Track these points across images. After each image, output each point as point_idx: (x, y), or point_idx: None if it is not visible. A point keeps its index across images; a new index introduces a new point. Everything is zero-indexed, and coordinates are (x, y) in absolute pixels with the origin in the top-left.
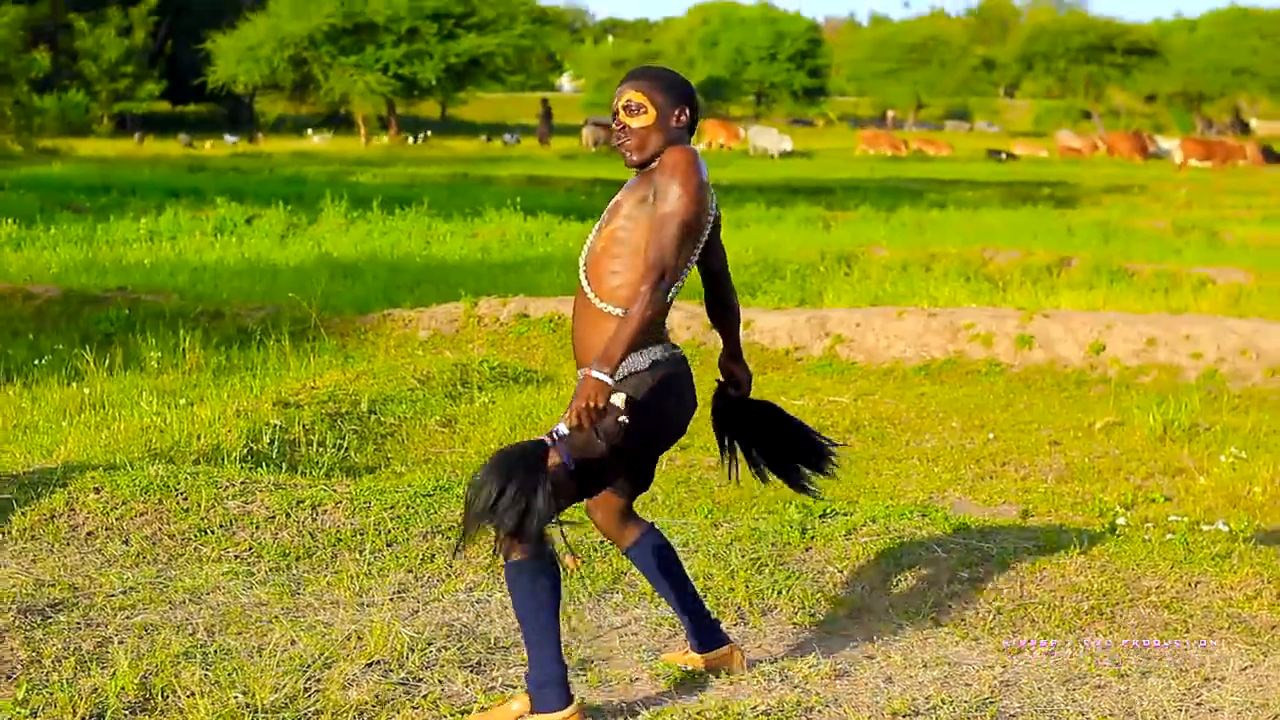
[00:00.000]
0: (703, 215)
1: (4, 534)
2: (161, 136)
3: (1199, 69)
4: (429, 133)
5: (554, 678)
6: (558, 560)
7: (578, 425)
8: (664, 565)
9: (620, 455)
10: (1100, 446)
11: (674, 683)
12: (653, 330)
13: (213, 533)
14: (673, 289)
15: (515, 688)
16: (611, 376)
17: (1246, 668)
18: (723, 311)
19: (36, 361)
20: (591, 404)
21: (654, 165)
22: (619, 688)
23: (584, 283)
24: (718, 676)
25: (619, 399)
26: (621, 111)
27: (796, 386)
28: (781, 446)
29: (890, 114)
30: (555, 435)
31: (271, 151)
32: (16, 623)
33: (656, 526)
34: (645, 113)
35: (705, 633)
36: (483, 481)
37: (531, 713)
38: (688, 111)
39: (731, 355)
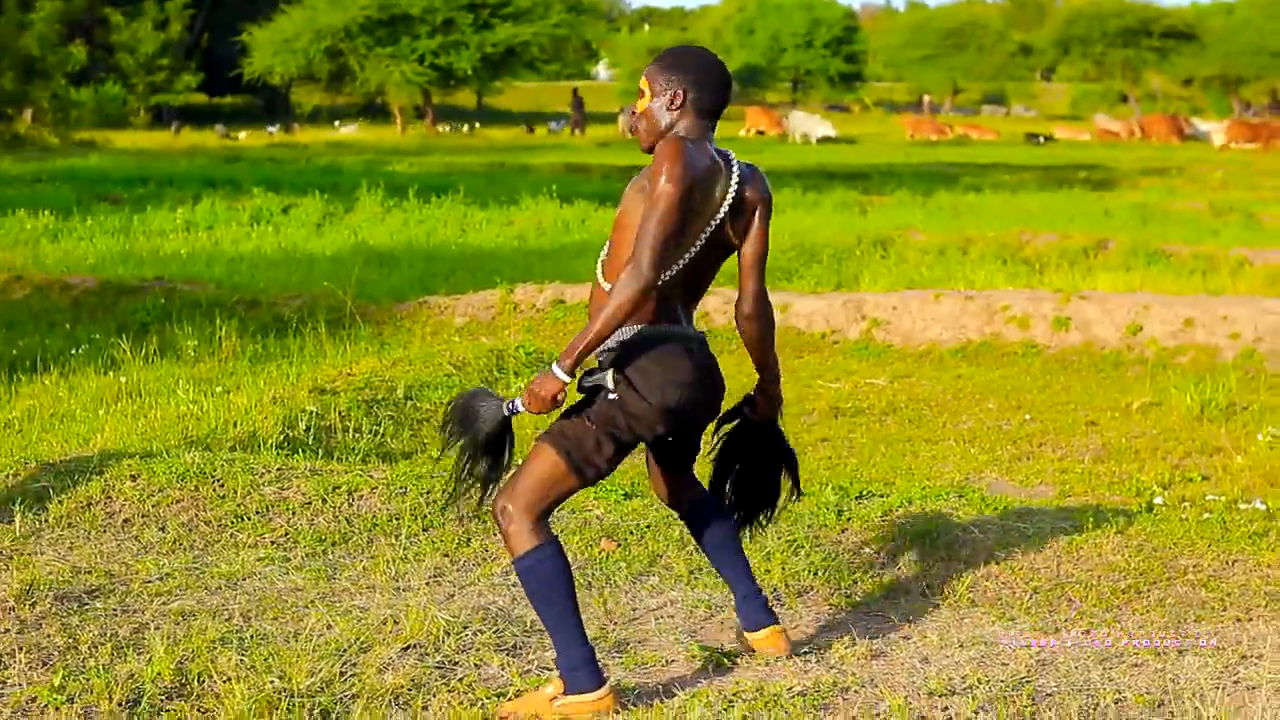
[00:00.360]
0: (686, 202)
1: (41, 521)
2: (198, 128)
3: (1236, 52)
4: (476, 124)
5: (582, 659)
6: (561, 547)
7: (528, 407)
8: (715, 535)
9: (616, 439)
10: (1137, 427)
11: (710, 665)
12: (654, 313)
13: (249, 519)
14: (657, 274)
15: (550, 670)
16: (570, 373)
17: None
18: (744, 317)
19: (74, 351)
20: (541, 393)
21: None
22: (655, 670)
23: (597, 265)
24: (758, 658)
25: (609, 379)
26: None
27: (833, 369)
28: (760, 482)
29: (926, 99)
30: (510, 407)
31: (307, 142)
32: (54, 609)
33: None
34: (643, 96)
35: (753, 611)
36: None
37: (565, 694)
38: (685, 92)
39: (760, 379)
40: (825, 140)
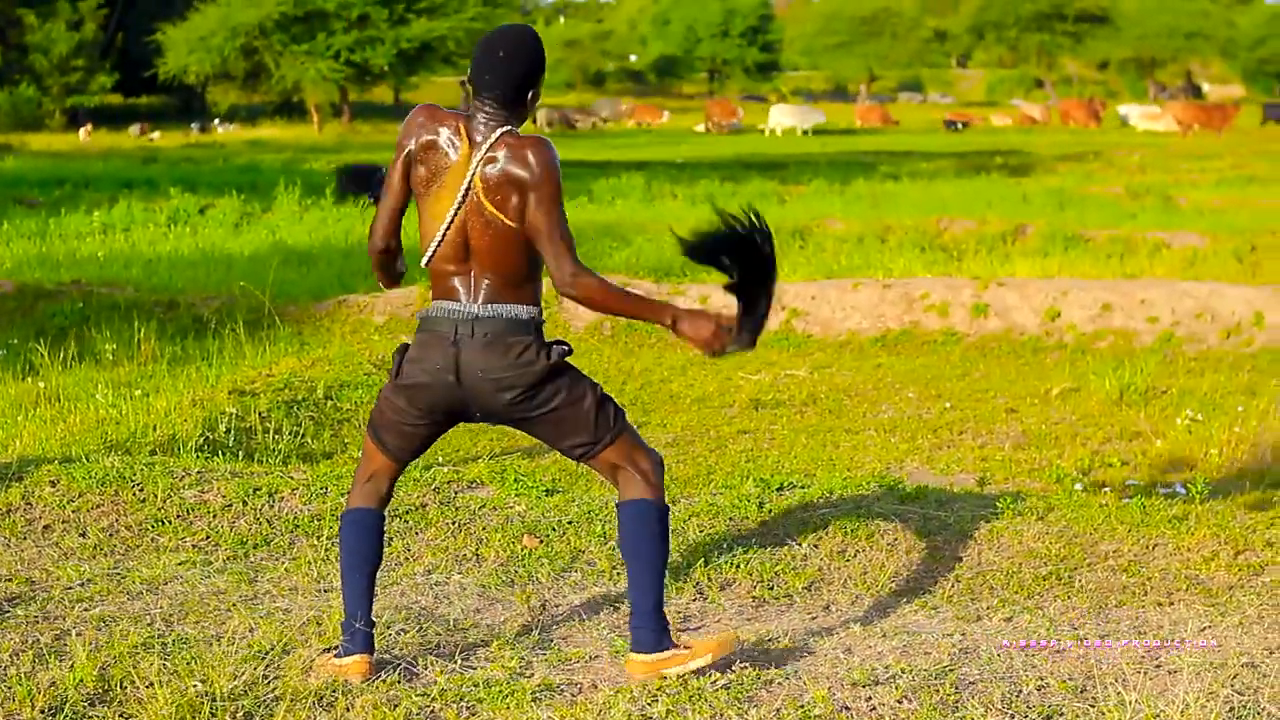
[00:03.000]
0: (390, 171)
1: None
2: (115, 129)
3: (1151, 34)
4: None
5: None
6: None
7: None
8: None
9: (390, 409)
10: (1057, 413)
11: None
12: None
13: (169, 523)
14: (372, 240)
15: (476, 669)
16: None
17: (1204, 629)
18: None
19: None
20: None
21: None
22: (579, 666)
23: None
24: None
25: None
26: None
27: (753, 361)
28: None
29: (862, 88)
30: None
31: (225, 141)
32: None
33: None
34: None
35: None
36: None
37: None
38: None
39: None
40: (818, 131)
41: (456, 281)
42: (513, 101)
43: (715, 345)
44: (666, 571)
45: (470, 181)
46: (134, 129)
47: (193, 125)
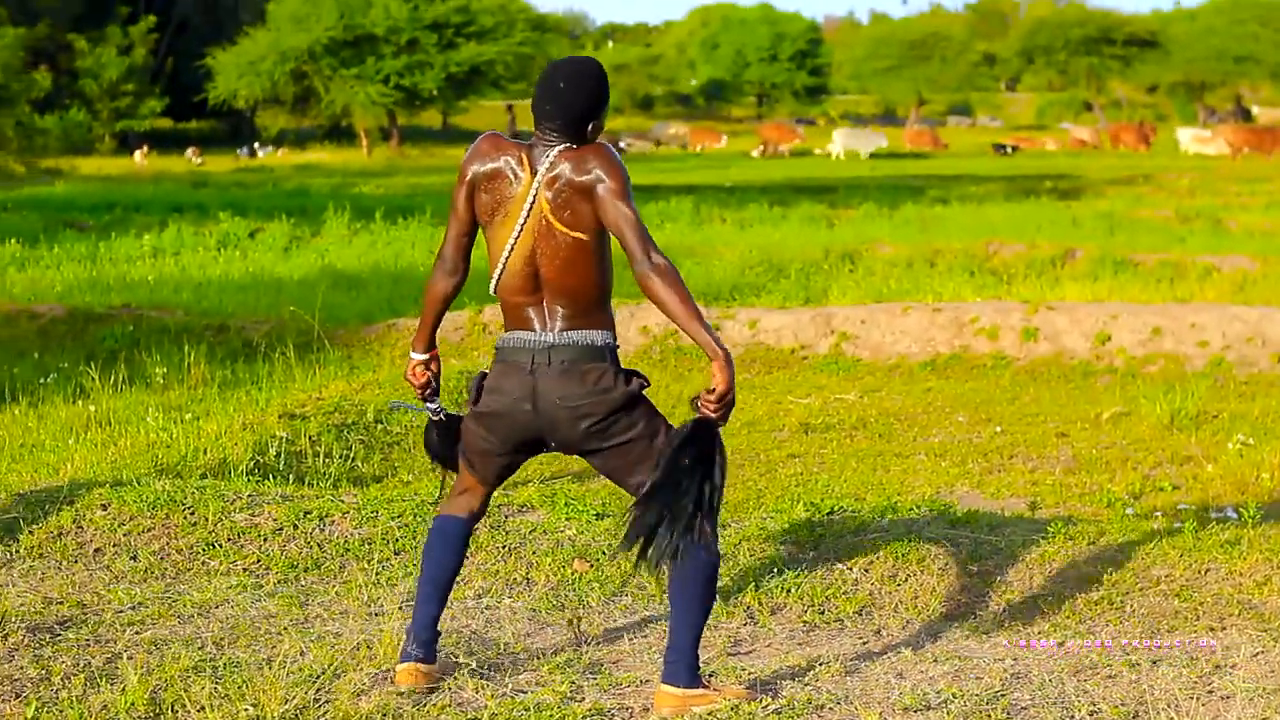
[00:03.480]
0: (455, 198)
1: (12, 552)
2: (163, 153)
3: (1200, 58)
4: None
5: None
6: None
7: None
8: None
9: (471, 436)
10: (1108, 437)
11: None
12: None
13: (220, 546)
14: (441, 262)
15: (527, 692)
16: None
17: (1257, 654)
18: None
19: (42, 380)
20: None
21: None
22: (630, 691)
23: None
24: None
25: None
26: None
27: (803, 385)
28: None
29: (914, 112)
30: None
31: (274, 165)
32: (26, 640)
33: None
34: None
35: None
36: None
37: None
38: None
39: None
40: (877, 155)
41: (530, 311)
42: (573, 132)
43: (725, 402)
44: (716, 596)
45: (534, 206)
46: (189, 153)
47: (239, 151)
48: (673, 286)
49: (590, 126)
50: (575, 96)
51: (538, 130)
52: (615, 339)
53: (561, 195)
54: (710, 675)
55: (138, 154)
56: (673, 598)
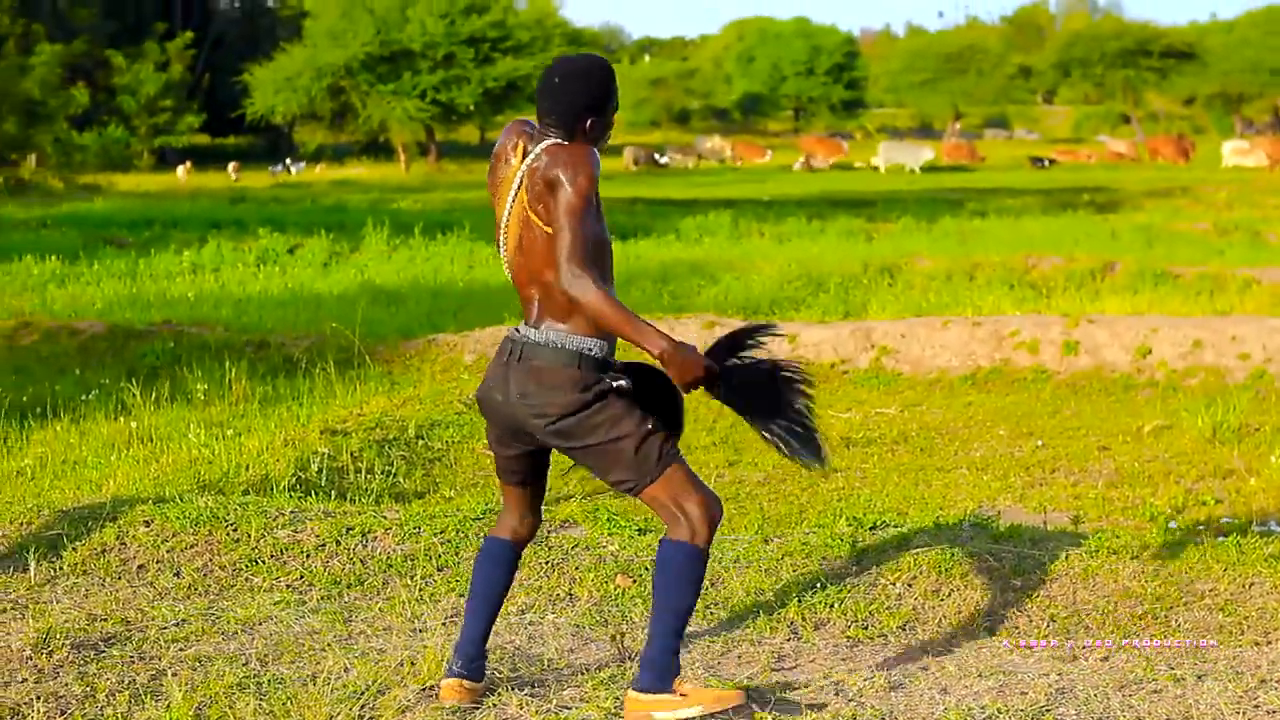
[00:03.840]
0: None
1: (56, 569)
2: (201, 169)
3: (1237, 70)
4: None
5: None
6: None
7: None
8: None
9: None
10: (1150, 450)
11: None
12: None
13: (263, 563)
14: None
15: (570, 708)
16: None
17: None
18: None
19: (84, 397)
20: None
21: None
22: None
23: None
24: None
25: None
26: None
27: (843, 399)
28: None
29: (953, 125)
30: None
31: (311, 181)
32: (70, 657)
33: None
34: None
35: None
36: None
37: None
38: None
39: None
40: (927, 169)
41: (525, 303)
42: (566, 129)
43: (691, 386)
44: (699, 596)
45: (517, 193)
46: (231, 168)
47: (272, 168)
48: (595, 306)
49: (588, 124)
50: (569, 93)
51: (539, 125)
52: (598, 345)
53: (536, 188)
54: (751, 689)
55: (180, 170)
56: (654, 594)
